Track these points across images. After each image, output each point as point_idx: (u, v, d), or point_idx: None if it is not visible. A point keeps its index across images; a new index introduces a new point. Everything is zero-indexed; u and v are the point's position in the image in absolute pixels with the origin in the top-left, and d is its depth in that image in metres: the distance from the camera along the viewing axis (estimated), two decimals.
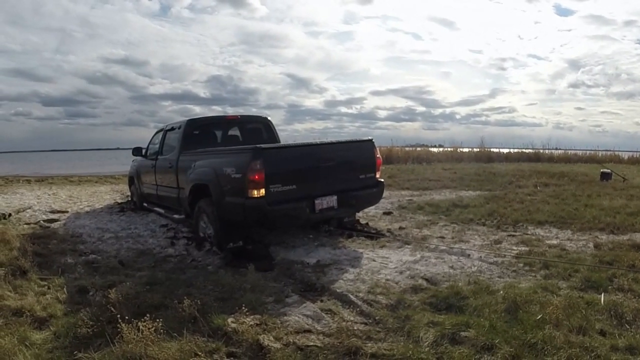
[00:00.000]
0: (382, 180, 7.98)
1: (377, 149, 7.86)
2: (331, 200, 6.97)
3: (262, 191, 6.19)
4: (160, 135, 9.80)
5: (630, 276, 5.41)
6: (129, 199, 12.89)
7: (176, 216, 8.76)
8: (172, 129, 9.18)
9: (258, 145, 6.53)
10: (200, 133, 8.84)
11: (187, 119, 8.85)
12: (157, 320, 3.83)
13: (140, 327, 3.68)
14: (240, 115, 9.54)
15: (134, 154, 10.97)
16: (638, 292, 4.95)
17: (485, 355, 3.53)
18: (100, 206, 12.24)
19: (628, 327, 4.10)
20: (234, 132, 9.47)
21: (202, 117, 9.45)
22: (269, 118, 9.77)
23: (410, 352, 3.59)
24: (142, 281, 5.45)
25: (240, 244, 6.96)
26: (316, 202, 6.79)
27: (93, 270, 6.12)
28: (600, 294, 4.87)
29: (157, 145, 9.78)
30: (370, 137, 7.94)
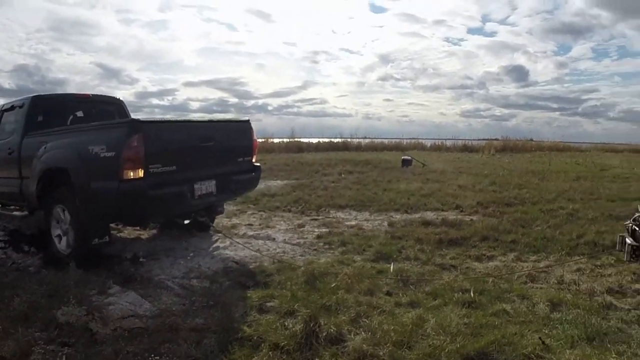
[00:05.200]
0: (259, 164, 7.85)
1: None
2: (210, 185, 6.62)
3: (141, 172, 5.56)
4: None
5: (417, 247, 6.68)
6: None
7: (17, 213, 7.81)
8: (12, 108, 8.07)
9: (135, 118, 6.10)
10: (47, 112, 7.82)
11: (32, 95, 7.85)
12: None
13: None
14: (92, 95, 8.79)
15: None
16: (423, 260, 6.20)
17: (288, 319, 4.21)
18: None
19: (412, 287, 5.16)
20: (84, 112, 8.53)
21: (50, 95, 8.50)
22: (121, 99, 9.14)
23: (224, 322, 4.18)
24: None
25: (106, 239, 6.28)
26: (195, 186, 6.36)
27: None
28: (390, 263, 5.91)
29: None
30: (247, 118, 7.80)
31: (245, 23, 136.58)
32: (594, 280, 5.32)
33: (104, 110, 8.64)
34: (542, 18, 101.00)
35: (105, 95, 9.12)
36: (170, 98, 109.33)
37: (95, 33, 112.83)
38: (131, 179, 5.52)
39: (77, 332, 4.05)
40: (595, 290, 4.91)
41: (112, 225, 7.05)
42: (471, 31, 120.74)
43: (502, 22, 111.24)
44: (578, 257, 6.18)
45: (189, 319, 4.34)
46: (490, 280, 5.31)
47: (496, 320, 4.19)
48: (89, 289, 5.10)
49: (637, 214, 5.41)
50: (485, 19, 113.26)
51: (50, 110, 7.85)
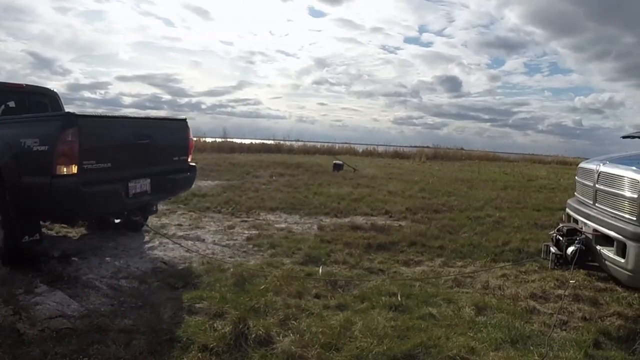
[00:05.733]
0: (195, 164, 7.94)
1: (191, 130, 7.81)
2: (144, 184, 6.64)
3: (75, 168, 5.47)
4: None
5: (345, 251, 6.90)
6: None
7: None
8: None
9: (71, 112, 5.89)
10: None
11: None
12: None
13: None
14: (25, 85, 8.51)
15: None
16: (351, 263, 6.43)
17: (217, 321, 4.32)
18: None
19: (340, 290, 5.36)
20: (17, 103, 8.28)
21: None
22: (55, 91, 8.92)
23: (153, 324, 4.25)
24: None
25: (37, 237, 6.06)
26: (130, 185, 6.36)
27: None
28: (319, 266, 6.10)
29: None
30: (184, 117, 7.86)
31: (183, 19, 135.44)
32: (518, 285, 5.66)
33: (37, 101, 8.42)
34: (478, 32, 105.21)
35: (39, 86, 8.88)
36: (102, 92, 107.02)
37: (29, 20, 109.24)
38: (64, 174, 5.44)
39: (4, 332, 4.03)
40: (519, 295, 5.24)
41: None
42: (408, 40, 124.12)
43: (439, 33, 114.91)
44: (503, 264, 6.57)
45: (118, 320, 4.38)
46: (417, 284, 5.59)
47: (422, 323, 4.43)
48: (16, 288, 5.04)
49: (561, 224, 5.75)
50: (422, 29, 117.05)
51: None
